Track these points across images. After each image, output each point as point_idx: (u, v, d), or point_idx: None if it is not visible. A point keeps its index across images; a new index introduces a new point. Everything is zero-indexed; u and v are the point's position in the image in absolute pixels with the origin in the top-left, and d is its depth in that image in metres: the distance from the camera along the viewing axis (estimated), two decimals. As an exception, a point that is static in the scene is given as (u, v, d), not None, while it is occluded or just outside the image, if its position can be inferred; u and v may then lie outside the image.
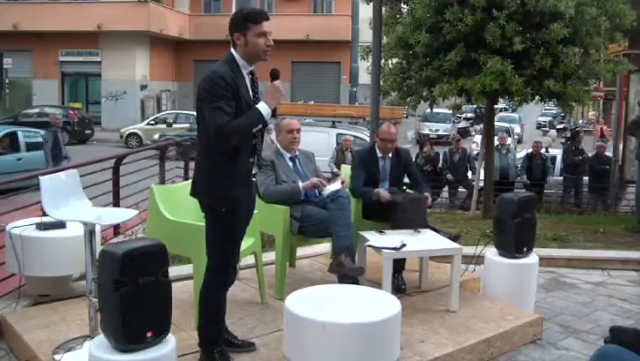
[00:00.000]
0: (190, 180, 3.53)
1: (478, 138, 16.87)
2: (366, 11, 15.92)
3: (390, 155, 5.14)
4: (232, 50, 3.24)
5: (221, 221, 3.26)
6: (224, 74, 3.13)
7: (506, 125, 24.03)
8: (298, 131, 4.73)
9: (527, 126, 35.21)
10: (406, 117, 28.87)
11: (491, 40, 7.78)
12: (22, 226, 4.29)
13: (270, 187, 4.54)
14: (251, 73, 3.28)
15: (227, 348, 3.47)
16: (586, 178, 12.99)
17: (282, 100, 3.28)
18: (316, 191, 4.67)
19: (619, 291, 5.51)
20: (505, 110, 34.88)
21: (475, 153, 15.39)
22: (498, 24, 7.76)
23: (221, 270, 3.34)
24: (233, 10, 16.86)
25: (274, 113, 3.24)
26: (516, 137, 26.06)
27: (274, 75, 3.25)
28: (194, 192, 3.33)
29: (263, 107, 3.17)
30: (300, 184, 4.56)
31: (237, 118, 3.11)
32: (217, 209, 3.25)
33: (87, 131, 25.36)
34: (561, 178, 13.33)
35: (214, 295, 3.39)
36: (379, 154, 5.13)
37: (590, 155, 13.93)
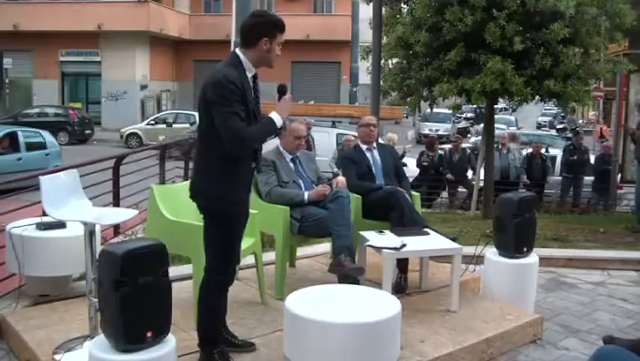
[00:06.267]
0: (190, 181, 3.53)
1: (477, 139, 16.87)
2: (366, 11, 15.96)
3: (374, 145, 5.21)
4: (238, 52, 3.21)
5: (220, 224, 3.26)
6: (235, 78, 3.09)
7: (504, 127, 23.96)
8: (304, 137, 4.78)
9: (526, 128, 35.01)
10: (406, 117, 28.91)
11: (491, 40, 7.79)
12: (22, 226, 4.29)
13: (274, 189, 4.55)
14: (254, 76, 3.27)
15: (228, 348, 3.46)
16: (588, 178, 12.97)
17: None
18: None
19: (619, 291, 5.50)
20: (505, 110, 34.86)
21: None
22: (498, 24, 7.77)
23: (219, 271, 3.33)
24: (234, 10, 16.79)
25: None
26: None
27: (282, 90, 3.29)
28: (193, 195, 3.32)
29: (277, 118, 3.20)
30: (306, 195, 4.56)
31: (250, 125, 3.12)
32: (216, 213, 3.24)
33: (87, 131, 25.37)
34: (560, 178, 13.32)
35: (213, 295, 3.38)
36: (364, 147, 5.21)
37: (592, 155, 13.92)
